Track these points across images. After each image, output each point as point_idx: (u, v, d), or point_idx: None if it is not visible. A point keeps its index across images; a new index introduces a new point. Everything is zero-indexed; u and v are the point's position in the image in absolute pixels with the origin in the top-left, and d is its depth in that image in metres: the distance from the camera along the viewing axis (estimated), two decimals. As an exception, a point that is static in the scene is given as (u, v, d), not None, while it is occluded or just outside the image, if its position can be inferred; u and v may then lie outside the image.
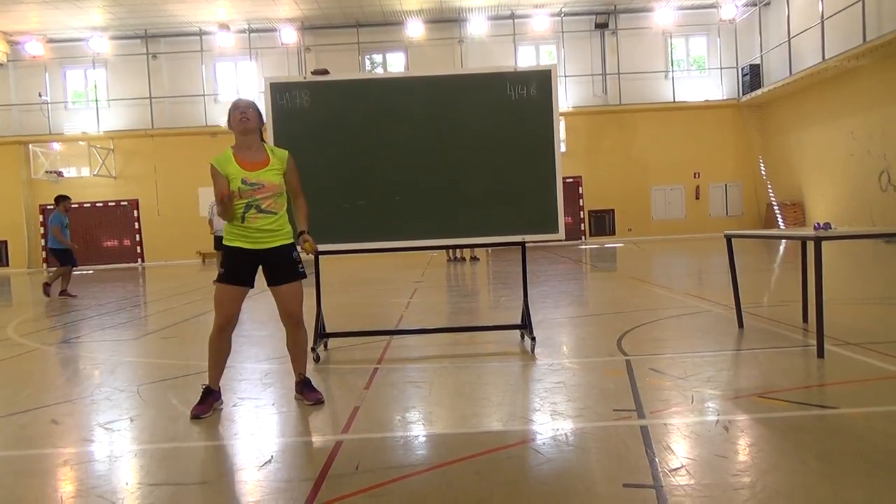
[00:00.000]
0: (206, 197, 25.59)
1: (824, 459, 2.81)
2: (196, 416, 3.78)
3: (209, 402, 3.89)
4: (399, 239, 5.48)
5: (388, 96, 5.46)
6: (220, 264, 3.94)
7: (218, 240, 13.37)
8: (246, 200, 3.83)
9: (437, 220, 5.44)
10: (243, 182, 3.82)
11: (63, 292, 11.93)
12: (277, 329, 7.49)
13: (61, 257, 11.96)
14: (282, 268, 3.94)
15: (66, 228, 11.90)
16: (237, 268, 3.88)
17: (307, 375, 4.17)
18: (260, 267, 3.95)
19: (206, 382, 3.96)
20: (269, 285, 3.98)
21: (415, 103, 5.44)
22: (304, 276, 4.02)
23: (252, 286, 3.94)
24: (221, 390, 4.00)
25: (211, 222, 13.85)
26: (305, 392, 4.07)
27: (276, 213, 3.91)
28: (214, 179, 3.90)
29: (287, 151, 4.05)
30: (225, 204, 3.76)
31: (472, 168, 5.42)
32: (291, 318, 4.02)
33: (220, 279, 3.89)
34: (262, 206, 3.84)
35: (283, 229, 3.95)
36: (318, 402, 4.00)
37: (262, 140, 4.07)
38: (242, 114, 3.91)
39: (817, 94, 20.79)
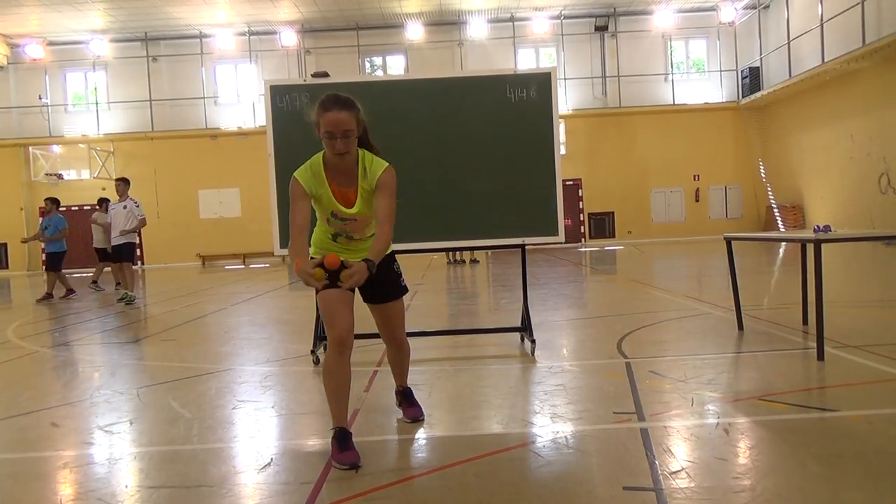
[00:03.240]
0: (206, 199, 25.80)
1: (825, 462, 2.81)
2: (352, 464, 2.94)
3: (350, 443, 3.03)
4: (399, 241, 5.45)
5: (388, 99, 5.45)
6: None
7: (116, 249, 11.31)
8: (335, 230, 3.28)
9: (437, 223, 5.44)
10: (333, 215, 3.21)
11: None
12: (276, 332, 7.52)
13: None
14: (383, 283, 3.36)
15: None
16: (337, 274, 3.09)
17: (408, 386, 3.74)
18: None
19: (334, 424, 3.09)
20: (366, 301, 3.44)
21: (415, 106, 5.43)
22: (405, 290, 3.52)
23: (354, 292, 3.28)
24: (223, 393, 3.96)
25: (107, 226, 11.37)
26: (405, 405, 3.68)
27: (370, 236, 3.33)
28: (294, 200, 3.11)
29: (384, 167, 3.15)
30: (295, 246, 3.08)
31: (472, 170, 5.42)
32: (395, 341, 3.54)
33: (324, 286, 3.09)
34: (354, 236, 3.31)
35: None
36: (416, 419, 3.61)
37: (368, 142, 3.26)
38: (331, 140, 3.03)
39: (817, 97, 20.81)
